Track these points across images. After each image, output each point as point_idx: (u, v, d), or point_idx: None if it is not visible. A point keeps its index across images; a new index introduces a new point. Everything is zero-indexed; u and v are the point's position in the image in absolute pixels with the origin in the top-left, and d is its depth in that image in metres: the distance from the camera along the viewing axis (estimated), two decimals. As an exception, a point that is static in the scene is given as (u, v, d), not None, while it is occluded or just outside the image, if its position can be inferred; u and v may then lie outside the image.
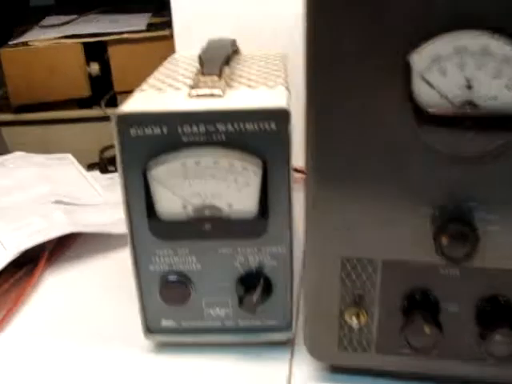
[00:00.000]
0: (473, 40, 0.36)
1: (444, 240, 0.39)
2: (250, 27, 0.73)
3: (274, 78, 0.50)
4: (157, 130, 0.43)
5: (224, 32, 0.61)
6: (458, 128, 0.38)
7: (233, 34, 0.60)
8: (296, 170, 0.47)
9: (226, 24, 0.73)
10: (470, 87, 0.37)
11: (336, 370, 0.48)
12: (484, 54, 0.37)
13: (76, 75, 0.90)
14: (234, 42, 0.57)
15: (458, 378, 0.45)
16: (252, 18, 0.73)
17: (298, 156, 0.43)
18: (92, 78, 0.92)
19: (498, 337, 0.41)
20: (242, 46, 0.60)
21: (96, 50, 0.91)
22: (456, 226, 0.39)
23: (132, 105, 0.45)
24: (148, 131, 0.43)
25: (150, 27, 0.94)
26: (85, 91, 0.92)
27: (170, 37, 0.82)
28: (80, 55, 0.91)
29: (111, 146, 0.89)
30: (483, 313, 0.43)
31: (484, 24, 0.36)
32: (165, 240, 0.47)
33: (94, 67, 0.91)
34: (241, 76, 0.51)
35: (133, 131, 0.43)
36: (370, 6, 0.37)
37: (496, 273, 0.42)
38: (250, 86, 0.48)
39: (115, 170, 0.79)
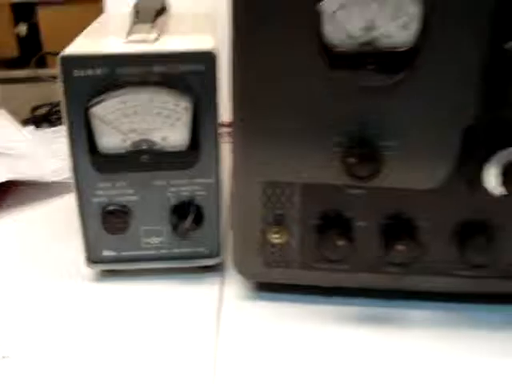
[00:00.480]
0: (374, -13, 0.43)
1: (352, 161, 0.46)
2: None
3: (202, 29, 0.55)
4: (97, 71, 0.48)
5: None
6: (362, 64, 0.44)
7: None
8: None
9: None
10: (371, 28, 0.44)
11: (264, 288, 0.54)
12: (382, 1, 0.43)
13: (3, 36, 0.92)
14: (162, 1, 0.62)
15: (369, 288, 0.52)
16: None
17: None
18: (20, 39, 0.94)
19: (399, 246, 0.48)
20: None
21: (24, 11, 0.93)
22: (361, 149, 0.45)
23: (74, 48, 0.49)
24: (89, 72, 0.48)
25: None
26: (13, 52, 0.94)
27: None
28: (8, 16, 0.92)
29: (43, 105, 0.92)
30: (388, 227, 0.50)
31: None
32: (105, 173, 0.51)
33: (22, 28, 0.92)
34: (172, 26, 0.55)
35: (75, 72, 0.48)
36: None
37: (397, 192, 0.48)
38: (181, 34, 0.53)
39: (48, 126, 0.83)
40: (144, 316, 0.51)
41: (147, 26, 0.52)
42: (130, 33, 0.51)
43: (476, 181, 0.47)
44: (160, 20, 0.56)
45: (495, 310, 0.52)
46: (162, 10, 0.59)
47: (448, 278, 0.52)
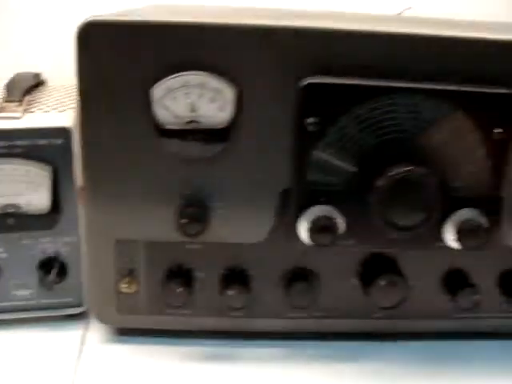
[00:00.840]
0: (194, 77, 0.52)
1: (182, 221, 0.54)
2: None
3: (67, 103, 0.63)
4: (-36, 144, 0.55)
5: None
6: (187, 139, 0.53)
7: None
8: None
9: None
10: (194, 110, 0.53)
11: (123, 332, 0.61)
12: (202, 87, 0.52)
13: None
14: (38, 75, 0.70)
15: (213, 330, 0.60)
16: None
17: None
18: None
19: (230, 292, 0.56)
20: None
21: None
22: (189, 210, 0.54)
23: None
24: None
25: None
26: None
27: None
28: None
29: None
30: (223, 276, 0.58)
31: (201, 66, 0.51)
32: (-24, 234, 0.58)
33: None
34: (39, 102, 0.63)
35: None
36: (124, 56, 0.51)
37: (229, 246, 0.57)
38: (44, 111, 0.61)
39: None
40: (10, 361, 0.57)
41: (15, 104, 0.60)
42: (-1, 110, 0.58)
43: (293, 234, 0.55)
44: (32, 96, 0.63)
45: (326, 346, 0.61)
46: (35, 86, 0.67)
47: (280, 319, 0.60)
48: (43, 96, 0.66)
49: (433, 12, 0.85)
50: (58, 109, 0.61)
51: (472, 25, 0.59)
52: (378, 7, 0.87)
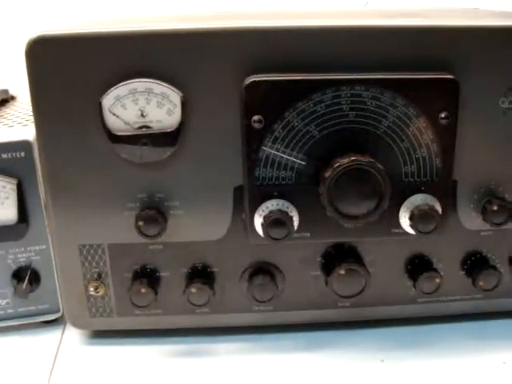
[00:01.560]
0: (140, 84, 0.54)
1: (140, 223, 0.56)
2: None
3: (32, 118, 0.65)
4: None
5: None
6: (139, 144, 0.55)
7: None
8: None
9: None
10: (143, 115, 0.54)
11: (98, 335, 0.63)
12: (149, 93, 0.54)
13: None
14: (5, 91, 0.73)
15: (179, 328, 0.62)
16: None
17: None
18: None
19: (193, 289, 0.58)
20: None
21: None
22: (146, 212, 0.56)
23: None
24: None
25: None
26: None
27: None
28: None
29: None
30: (189, 275, 0.60)
31: (146, 73, 0.53)
32: None
33: None
34: (4, 118, 0.66)
35: None
36: (72, 68, 0.53)
37: (189, 244, 0.59)
38: (9, 126, 0.63)
39: None
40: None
41: (-21, 122, 0.62)
42: (-37, 128, 0.61)
43: (251, 229, 0.57)
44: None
45: (293, 338, 0.62)
46: (3, 101, 0.70)
47: (245, 313, 0.61)
48: (10, 111, 0.68)
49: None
50: (22, 123, 0.63)
51: (418, 13, 0.60)
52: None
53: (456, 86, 0.54)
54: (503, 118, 0.56)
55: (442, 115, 0.54)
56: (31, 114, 0.63)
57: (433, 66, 0.54)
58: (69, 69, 0.53)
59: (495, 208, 0.58)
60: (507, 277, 0.61)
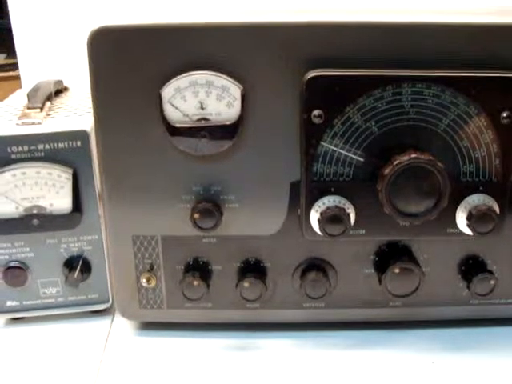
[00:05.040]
0: (201, 76, 0.53)
1: (196, 216, 0.56)
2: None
3: (87, 108, 0.66)
4: (-11, 150, 0.58)
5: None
6: (197, 136, 0.55)
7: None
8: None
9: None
10: (202, 108, 0.54)
11: (147, 326, 0.64)
12: (210, 85, 0.54)
13: None
14: (59, 82, 0.73)
15: (233, 322, 0.62)
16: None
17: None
18: None
19: (246, 283, 0.58)
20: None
21: None
22: (202, 205, 0.56)
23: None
24: (-18, 151, 0.58)
25: (1, 67, 1.07)
26: None
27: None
28: None
29: None
30: (239, 269, 0.60)
31: (207, 66, 0.53)
32: (4, 235, 0.61)
33: None
34: (60, 108, 0.66)
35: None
36: (133, 59, 0.53)
37: (243, 239, 0.58)
38: (65, 116, 0.64)
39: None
40: (43, 354, 0.60)
41: (36, 111, 0.62)
42: (20, 117, 0.61)
43: (306, 225, 0.56)
44: (53, 102, 0.66)
45: (343, 336, 0.62)
46: (57, 92, 0.70)
47: (296, 309, 0.61)
48: (64, 102, 0.68)
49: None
50: (77, 113, 0.64)
51: (477, 11, 0.59)
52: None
53: (519, 85, 0.53)
54: None
55: (504, 115, 0.53)
56: (86, 104, 0.64)
57: (496, 64, 0.53)
58: (130, 60, 0.53)
59: (552, 211, 0.56)
60: None
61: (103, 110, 0.55)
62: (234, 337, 0.61)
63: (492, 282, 0.59)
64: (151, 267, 0.59)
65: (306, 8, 0.55)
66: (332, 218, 0.54)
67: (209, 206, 0.55)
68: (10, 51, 1.17)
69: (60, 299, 0.64)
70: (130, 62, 0.53)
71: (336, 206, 0.54)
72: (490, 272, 0.59)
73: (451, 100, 0.53)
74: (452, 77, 0.53)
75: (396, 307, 0.61)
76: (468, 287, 0.59)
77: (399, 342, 0.61)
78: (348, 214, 0.54)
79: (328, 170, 0.54)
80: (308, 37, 0.52)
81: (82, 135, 0.59)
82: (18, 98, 0.73)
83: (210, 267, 0.59)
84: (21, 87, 0.91)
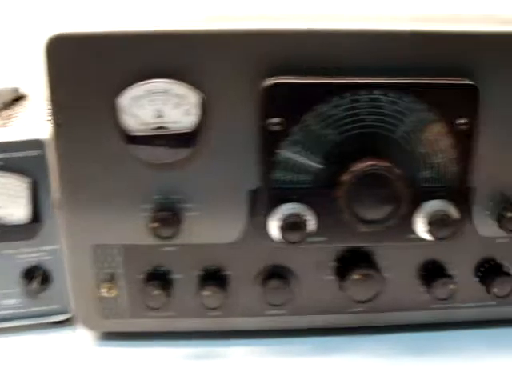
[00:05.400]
0: (158, 84, 0.53)
1: (155, 225, 0.55)
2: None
3: (44, 116, 0.65)
4: None
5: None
6: (155, 144, 0.54)
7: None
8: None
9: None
10: (160, 116, 0.54)
11: (109, 337, 0.63)
12: (167, 93, 0.53)
13: None
14: (16, 90, 0.72)
15: (195, 331, 0.61)
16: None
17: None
18: None
19: (206, 292, 0.58)
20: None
21: None
22: (161, 214, 0.55)
23: None
24: None
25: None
26: None
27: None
28: None
29: None
30: (200, 277, 0.59)
31: (164, 74, 0.52)
32: (-41, 245, 0.60)
33: None
34: (17, 116, 0.65)
35: None
36: (90, 67, 0.52)
37: (204, 247, 0.58)
38: (22, 124, 0.63)
39: None
40: (3, 367, 0.59)
41: (-8, 119, 0.62)
42: (-23, 126, 0.60)
43: (266, 233, 0.56)
44: (10, 110, 0.65)
45: (305, 342, 0.62)
46: (15, 100, 0.69)
47: (258, 317, 0.61)
48: (21, 110, 0.67)
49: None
50: (34, 122, 0.63)
51: (436, 18, 0.60)
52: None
53: (475, 92, 0.53)
54: (521, 125, 0.56)
55: (461, 121, 0.54)
56: (44, 112, 0.63)
57: (452, 71, 0.54)
58: (87, 67, 0.53)
59: (511, 215, 0.57)
60: (521, 284, 0.61)
61: (60, 118, 0.54)
62: (197, 345, 0.61)
63: (451, 286, 0.59)
64: (112, 277, 0.59)
65: (264, 15, 0.55)
66: (291, 225, 0.54)
67: (167, 215, 0.55)
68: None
69: (19, 310, 0.64)
70: (86, 70, 0.53)
71: (295, 214, 0.54)
72: (450, 276, 0.59)
73: (408, 107, 0.53)
74: (409, 84, 0.53)
75: (357, 313, 0.61)
76: (428, 292, 0.60)
77: (361, 347, 0.61)
78: (307, 221, 0.55)
79: (287, 178, 0.54)
80: (267, 44, 0.52)
81: (40, 144, 0.58)
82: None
83: (170, 276, 0.59)
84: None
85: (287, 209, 0.55)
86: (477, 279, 0.61)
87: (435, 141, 0.55)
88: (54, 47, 0.52)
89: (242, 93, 0.53)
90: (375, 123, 0.54)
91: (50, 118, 0.54)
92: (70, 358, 0.60)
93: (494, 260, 0.61)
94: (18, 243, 0.61)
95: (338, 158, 0.54)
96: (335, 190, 0.54)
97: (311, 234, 0.55)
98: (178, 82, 0.53)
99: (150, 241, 0.57)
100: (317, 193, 0.55)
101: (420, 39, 0.53)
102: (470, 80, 0.54)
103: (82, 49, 0.52)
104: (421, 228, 0.56)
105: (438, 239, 0.56)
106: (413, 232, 0.57)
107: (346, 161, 0.54)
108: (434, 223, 0.55)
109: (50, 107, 0.54)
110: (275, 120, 0.53)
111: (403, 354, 0.60)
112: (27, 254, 0.62)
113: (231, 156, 0.55)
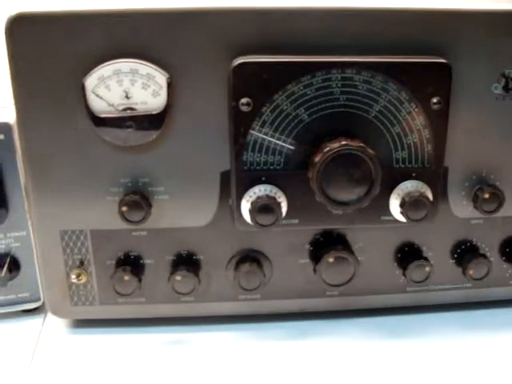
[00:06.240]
0: (125, 64, 0.52)
1: (123, 208, 0.54)
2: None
3: (11, 100, 0.63)
4: None
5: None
6: (123, 126, 0.53)
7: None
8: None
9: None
10: (128, 97, 0.53)
11: (80, 324, 0.62)
12: (134, 74, 0.52)
13: None
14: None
15: (167, 317, 0.60)
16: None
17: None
18: None
19: (178, 277, 0.56)
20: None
21: None
22: (130, 197, 0.54)
23: None
24: None
25: None
26: None
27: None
28: None
29: None
30: (174, 262, 0.58)
31: (131, 53, 0.51)
32: None
33: None
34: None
35: None
36: (55, 47, 0.51)
37: (174, 231, 0.57)
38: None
39: None
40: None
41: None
42: None
43: (237, 216, 0.55)
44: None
45: (280, 327, 0.61)
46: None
47: (232, 302, 0.60)
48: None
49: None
50: (1, 105, 0.61)
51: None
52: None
53: (448, 71, 0.53)
54: (495, 104, 0.55)
55: (434, 100, 0.53)
56: (10, 95, 0.61)
57: (425, 49, 0.53)
58: (50, 48, 0.51)
59: (486, 196, 0.57)
60: (497, 266, 0.60)
61: (25, 101, 0.53)
62: (169, 331, 0.60)
63: (427, 268, 0.58)
64: (81, 263, 0.58)
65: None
66: (263, 207, 0.53)
67: (137, 199, 0.54)
68: None
69: (-12, 299, 0.62)
70: (50, 51, 0.51)
71: (267, 196, 0.53)
72: (426, 259, 0.59)
73: (382, 86, 0.52)
74: (382, 62, 0.52)
75: (333, 296, 0.60)
76: (404, 274, 0.59)
77: (337, 331, 0.60)
78: (279, 204, 0.53)
79: (258, 159, 0.53)
80: (235, 23, 0.51)
81: (5, 128, 0.57)
82: None
83: (141, 261, 0.58)
84: None
85: (258, 191, 0.54)
86: (453, 261, 0.61)
87: (409, 120, 0.54)
88: (14, 27, 0.50)
89: (211, 73, 0.52)
90: (348, 103, 0.53)
91: (13, 101, 0.53)
92: (40, 346, 0.59)
93: (469, 242, 0.60)
94: (-15, 230, 0.59)
95: (309, 138, 0.53)
96: (307, 171, 0.53)
97: (283, 217, 0.54)
98: (145, 62, 0.51)
99: (120, 225, 0.55)
100: (289, 174, 0.54)
101: (392, 17, 0.52)
102: (443, 58, 0.52)
103: (45, 29, 0.51)
104: (395, 209, 0.55)
105: (412, 221, 0.55)
106: (387, 214, 0.56)
107: (317, 141, 0.53)
108: (408, 204, 0.55)
109: (13, 90, 0.52)
110: (245, 100, 0.52)
111: (379, 337, 0.60)
112: (-5, 240, 0.60)
113: (201, 138, 0.54)
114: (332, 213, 0.55)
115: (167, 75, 0.52)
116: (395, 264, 0.60)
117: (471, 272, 0.59)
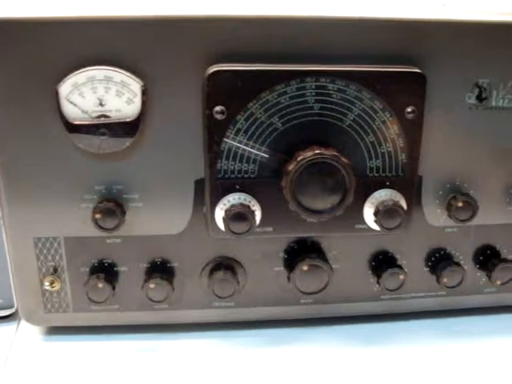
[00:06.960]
0: (99, 71, 0.52)
1: (97, 216, 0.54)
2: None
3: None
4: None
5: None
6: (97, 133, 0.53)
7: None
8: None
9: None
10: (102, 104, 0.52)
11: (53, 331, 0.61)
12: (109, 81, 0.52)
13: None
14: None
15: (141, 324, 0.60)
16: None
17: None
18: None
19: (151, 285, 0.56)
20: None
21: None
22: (104, 204, 0.54)
23: None
24: None
25: None
26: None
27: None
28: None
29: None
30: (148, 270, 0.58)
31: (105, 61, 0.51)
32: None
33: None
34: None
35: None
36: (30, 53, 0.51)
37: (148, 238, 0.57)
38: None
39: None
40: None
41: None
42: None
43: (212, 223, 0.55)
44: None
45: (254, 335, 0.61)
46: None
47: (206, 309, 0.60)
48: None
49: None
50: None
51: (385, 5, 0.59)
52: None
53: (423, 80, 0.53)
54: (469, 114, 0.55)
55: (409, 109, 0.53)
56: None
57: (400, 59, 0.53)
58: (24, 54, 0.51)
59: (460, 204, 0.57)
60: (471, 274, 0.61)
61: (-1, 107, 0.52)
62: (143, 338, 0.60)
63: (401, 276, 0.59)
64: (55, 270, 0.57)
65: (207, 2, 0.53)
66: (236, 215, 0.53)
67: (110, 206, 0.54)
68: None
69: (-39, 306, 0.61)
70: (24, 57, 0.51)
71: (241, 204, 0.53)
72: (400, 267, 0.59)
73: (356, 95, 0.53)
74: (356, 71, 0.52)
75: (307, 304, 0.60)
76: (378, 282, 0.59)
77: (311, 339, 0.60)
78: (253, 212, 0.53)
79: (232, 167, 0.53)
80: (209, 31, 0.51)
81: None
82: None
83: (115, 268, 0.58)
84: None
85: (232, 199, 0.54)
86: (427, 269, 0.61)
87: (383, 129, 0.54)
88: (-11, 33, 0.50)
89: (185, 81, 0.52)
90: (322, 111, 0.53)
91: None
92: (13, 353, 0.59)
93: (444, 250, 0.61)
94: (-42, 236, 0.59)
95: (283, 147, 0.54)
96: (281, 179, 0.53)
97: (257, 225, 0.54)
98: (120, 70, 0.51)
99: (94, 233, 0.55)
100: (263, 182, 0.54)
101: (367, 26, 0.52)
102: (417, 68, 0.53)
103: (19, 35, 0.50)
104: (369, 218, 0.56)
105: (386, 229, 0.55)
106: (361, 222, 0.56)
107: (291, 150, 0.53)
108: (382, 213, 0.55)
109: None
110: (219, 108, 0.52)
111: (353, 345, 0.60)
112: (-32, 247, 0.59)
113: (175, 145, 0.54)
114: (306, 221, 0.55)
115: (141, 83, 0.51)
116: (370, 272, 0.60)
117: (445, 280, 0.60)
